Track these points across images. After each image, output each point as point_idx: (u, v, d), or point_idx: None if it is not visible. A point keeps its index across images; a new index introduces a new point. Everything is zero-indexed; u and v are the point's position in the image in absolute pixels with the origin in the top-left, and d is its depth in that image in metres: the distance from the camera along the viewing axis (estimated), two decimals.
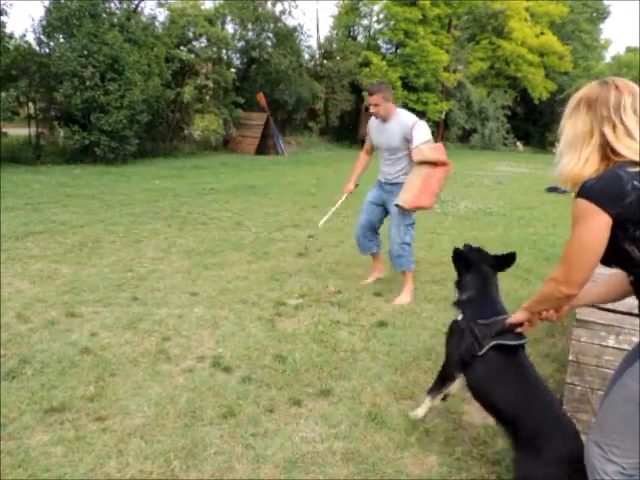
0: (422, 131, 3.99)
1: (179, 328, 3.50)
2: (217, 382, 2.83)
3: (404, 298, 4.18)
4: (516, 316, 1.90)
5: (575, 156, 1.53)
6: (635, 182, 1.41)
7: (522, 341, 2.04)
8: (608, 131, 1.49)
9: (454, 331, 2.26)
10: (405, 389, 2.84)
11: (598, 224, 1.43)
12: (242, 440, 2.35)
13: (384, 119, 4.15)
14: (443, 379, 2.30)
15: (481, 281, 2.27)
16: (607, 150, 1.50)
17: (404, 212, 4.06)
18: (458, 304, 2.30)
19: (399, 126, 4.07)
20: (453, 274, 4.57)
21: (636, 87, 1.53)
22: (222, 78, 15.70)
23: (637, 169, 1.43)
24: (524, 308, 1.87)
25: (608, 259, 1.51)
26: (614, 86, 1.52)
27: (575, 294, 1.57)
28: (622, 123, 1.48)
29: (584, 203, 1.44)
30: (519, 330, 1.94)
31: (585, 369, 2.53)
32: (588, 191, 1.44)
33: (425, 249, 5.87)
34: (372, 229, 4.44)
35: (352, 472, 2.19)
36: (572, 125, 1.56)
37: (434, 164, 3.96)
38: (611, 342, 2.48)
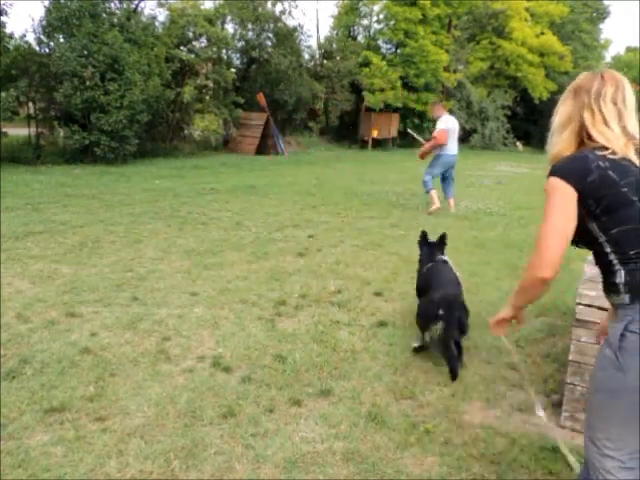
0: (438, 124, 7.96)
1: (179, 328, 3.50)
2: (217, 382, 2.83)
3: (432, 208, 7.81)
4: (502, 313, 1.82)
5: (558, 138, 1.66)
6: (600, 162, 1.51)
7: (444, 258, 3.69)
8: (587, 116, 1.60)
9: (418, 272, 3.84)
10: (405, 389, 2.85)
11: (567, 197, 1.52)
12: (242, 440, 2.35)
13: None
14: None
15: (426, 250, 3.82)
16: (584, 134, 1.60)
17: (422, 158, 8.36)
18: (420, 261, 3.85)
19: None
20: None
21: (623, 80, 1.61)
22: (222, 78, 15.70)
23: (604, 152, 1.52)
24: (509, 304, 1.81)
25: (575, 240, 1.58)
26: (600, 76, 1.63)
27: (550, 276, 1.55)
28: (600, 111, 1.58)
29: (554, 180, 1.55)
30: (502, 329, 1.85)
31: (585, 369, 2.52)
32: (557, 170, 1.57)
33: None
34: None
35: (352, 472, 2.19)
36: (561, 110, 1.69)
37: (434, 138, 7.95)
38: None
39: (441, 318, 3.03)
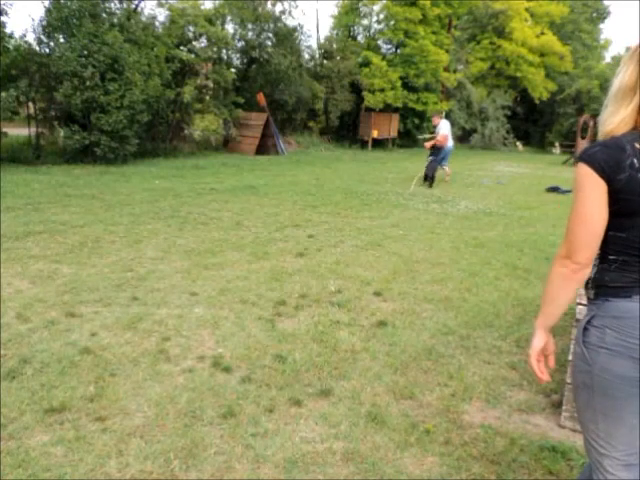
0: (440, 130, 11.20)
1: (179, 328, 3.50)
2: (217, 382, 2.83)
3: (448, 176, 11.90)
4: (534, 346, 1.55)
5: (613, 111, 1.41)
6: (634, 160, 1.33)
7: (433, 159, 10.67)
8: None
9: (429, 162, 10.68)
10: (405, 389, 2.85)
11: (597, 190, 1.37)
12: (242, 440, 2.35)
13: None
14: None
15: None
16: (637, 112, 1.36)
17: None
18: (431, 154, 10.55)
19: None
20: (453, 274, 4.67)
21: None
22: (222, 78, 15.69)
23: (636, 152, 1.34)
24: (537, 326, 1.56)
25: None
26: None
27: (583, 267, 1.42)
28: None
29: (584, 168, 1.39)
30: (541, 377, 1.56)
31: None
32: (590, 157, 1.38)
33: (425, 249, 5.87)
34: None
35: (352, 472, 2.19)
36: (622, 75, 1.41)
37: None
38: None
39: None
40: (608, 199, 1.37)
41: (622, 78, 1.40)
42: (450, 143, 11.34)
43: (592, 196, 1.38)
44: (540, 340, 1.55)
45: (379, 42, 22.60)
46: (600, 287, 1.47)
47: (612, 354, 1.41)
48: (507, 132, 25.70)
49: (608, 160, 1.35)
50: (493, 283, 4.73)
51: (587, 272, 1.46)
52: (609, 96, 1.44)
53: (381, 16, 21.82)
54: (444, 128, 11.11)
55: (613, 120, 1.40)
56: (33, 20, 18.28)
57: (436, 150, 11.10)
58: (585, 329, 1.47)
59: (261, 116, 16.56)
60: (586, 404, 1.49)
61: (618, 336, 1.40)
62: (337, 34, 22.92)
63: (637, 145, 1.34)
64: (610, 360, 1.41)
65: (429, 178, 11.06)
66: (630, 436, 1.45)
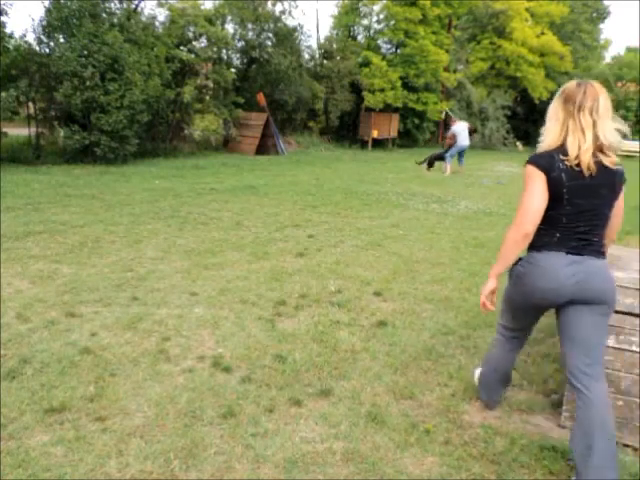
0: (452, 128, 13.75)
1: (179, 328, 3.51)
2: (217, 382, 2.83)
3: (446, 173, 13.26)
4: (487, 287, 2.34)
5: (547, 134, 2.17)
6: (560, 165, 2.08)
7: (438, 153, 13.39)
8: (570, 123, 2.09)
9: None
10: (405, 389, 2.85)
11: (539, 180, 2.10)
12: (242, 440, 2.35)
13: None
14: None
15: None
16: (562, 135, 2.11)
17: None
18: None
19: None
20: (453, 274, 4.67)
21: (600, 93, 2.08)
22: (222, 78, 15.67)
23: (564, 157, 2.07)
24: (490, 275, 2.34)
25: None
26: (583, 90, 2.09)
27: (529, 232, 2.14)
28: (579, 121, 2.07)
29: (531, 167, 2.13)
30: (491, 303, 2.36)
31: None
32: (535, 161, 2.14)
33: (425, 249, 5.88)
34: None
35: (352, 472, 2.19)
36: (554, 108, 2.17)
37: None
38: (611, 342, 2.48)
39: None
40: (550, 190, 2.10)
41: (554, 111, 2.15)
42: (464, 142, 13.32)
43: (537, 184, 2.11)
44: (492, 285, 2.33)
45: (379, 42, 22.57)
46: (530, 245, 2.22)
47: (522, 280, 2.26)
48: (507, 132, 25.69)
49: (545, 163, 2.10)
50: None
51: (531, 238, 2.17)
52: (546, 123, 2.18)
53: (381, 16, 21.80)
54: (453, 129, 13.52)
55: (547, 140, 2.16)
56: (33, 20, 18.25)
57: (448, 148, 13.81)
58: (514, 265, 2.31)
59: (261, 116, 16.55)
60: (506, 302, 2.45)
61: (529, 276, 2.22)
62: (337, 34, 22.89)
63: (561, 156, 2.08)
64: (520, 290, 2.29)
65: (429, 162, 13.92)
66: (521, 324, 2.45)
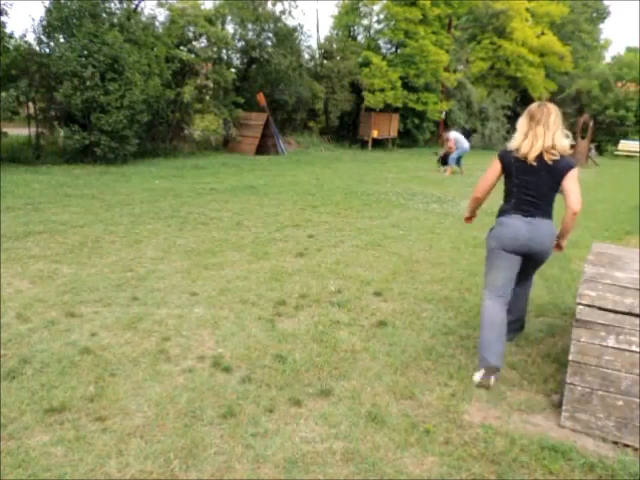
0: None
1: (179, 328, 3.51)
2: (217, 382, 2.84)
3: (446, 174, 13.74)
4: (465, 215, 3.65)
5: (518, 137, 3.06)
6: (512, 157, 3.08)
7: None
8: (530, 133, 3.01)
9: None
10: (405, 389, 2.85)
11: (497, 165, 3.16)
12: (242, 440, 2.35)
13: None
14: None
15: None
16: (521, 140, 3.04)
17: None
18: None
19: None
20: (453, 274, 4.66)
21: (552, 110, 3.00)
22: (222, 78, 15.67)
23: (516, 154, 3.05)
24: (465, 215, 3.67)
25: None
26: (542, 109, 3.03)
27: (480, 197, 3.33)
28: (535, 130, 2.99)
29: (495, 158, 3.19)
30: (469, 221, 3.66)
31: (585, 369, 2.53)
32: (500, 154, 3.18)
33: (425, 249, 5.88)
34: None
35: (352, 472, 2.19)
36: (521, 121, 3.10)
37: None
38: (611, 342, 2.48)
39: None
40: (500, 170, 3.17)
41: (521, 124, 3.07)
42: (465, 145, 14.00)
43: (494, 167, 3.18)
44: (468, 215, 3.60)
45: (379, 42, 22.57)
46: (500, 211, 3.21)
47: (494, 238, 3.16)
48: (507, 132, 25.66)
49: (503, 154, 3.15)
50: None
51: (481, 202, 3.40)
52: (517, 131, 3.09)
53: (381, 16, 21.78)
54: (450, 137, 14.11)
55: (513, 143, 3.08)
56: (33, 20, 18.24)
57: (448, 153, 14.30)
58: (492, 227, 3.23)
59: (261, 116, 16.55)
60: (487, 262, 3.23)
61: (497, 230, 3.16)
62: (337, 34, 22.87)
63: (515, 154, 3.06)
64: (493, 240, 3.16)
65: (442, 161, 14.37)
66: (501, 279, 3.12)
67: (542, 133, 2.96)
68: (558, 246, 3.21)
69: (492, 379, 2.92)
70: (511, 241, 3.06)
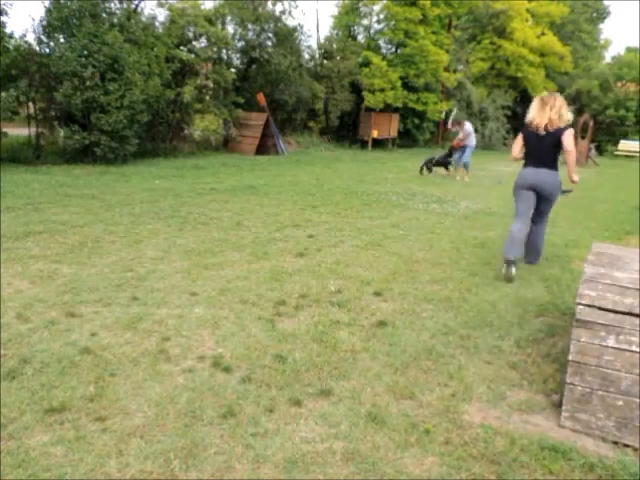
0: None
1: (179, 328, 3.51)
2: (217, 382, 2.83)
3: (466, 178, 12.68)
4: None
5: (530, 114, 4.80)
6: (530, 129, 4.84)
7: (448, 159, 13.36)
8: (540, 111, 4.73)
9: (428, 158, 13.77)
10: (405, 389, 2.85)
11: (521, 136, 4.95)
12: (242, 440, 2.35)
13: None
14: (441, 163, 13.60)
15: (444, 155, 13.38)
16: (534, 116, 4.79)
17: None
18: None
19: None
20: (453, 274, 4.67)
21: (557, 99, 4.76)
22: (222, 78, 15.67)
23: (531, 127, 4.80)
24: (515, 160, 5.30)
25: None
26: (551, 98, 4.73)
27: (516, 157, 5.08)
28: (545, 111, 4.68)
29: (521, 131, 4.98)
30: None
31: (585, 369, 2.53)
32: (523, 128, 4.93)
33: (425, 249, 5.88)
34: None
35: (352, 472, 2.19)
36: (535, 104, 4.79)
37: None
38: (611, 342, 2.48)
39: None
40: (523, 139, 4.95)
41: (534, 105, 4.83)
42: (473, 142, 12.83)
43: (520, 138, 4.98)
44: (514, 158, 5.24)
45: (379, 42, 22.57)
46: (523, 166, 4.99)
47: (516, 182, 5.02)
48: (507, 132, 25.69)
49: (525, 129, 4.89)
50: (493, 283, 4.73)
51: (517, 160, 5.12)
52: (530, 111, 4.83)
53: (381, 16, 21.78)
54: (467, 128, 12.62)
55: (528, 118, 4.84)
56: (33, 20, 18.25)
57: (452, 151, 13.23)
58: (519, 173, 5.02)
59: (261, 116, 16.55)
60: (514, 195, 5.04)
61: (517, 177, 5.03)
62: (337, 34, 22.88)
63: (530, 128, 4.83)
64: (517, 182, 4.99)
65: (427, 167, 13.46)
66: (522, 208, 4.97)
67: (548, 111, 4.62)
68: (572, 181, 4.87)
69: (513, 270, 4.73)
70: (524, 182, 4.88)
